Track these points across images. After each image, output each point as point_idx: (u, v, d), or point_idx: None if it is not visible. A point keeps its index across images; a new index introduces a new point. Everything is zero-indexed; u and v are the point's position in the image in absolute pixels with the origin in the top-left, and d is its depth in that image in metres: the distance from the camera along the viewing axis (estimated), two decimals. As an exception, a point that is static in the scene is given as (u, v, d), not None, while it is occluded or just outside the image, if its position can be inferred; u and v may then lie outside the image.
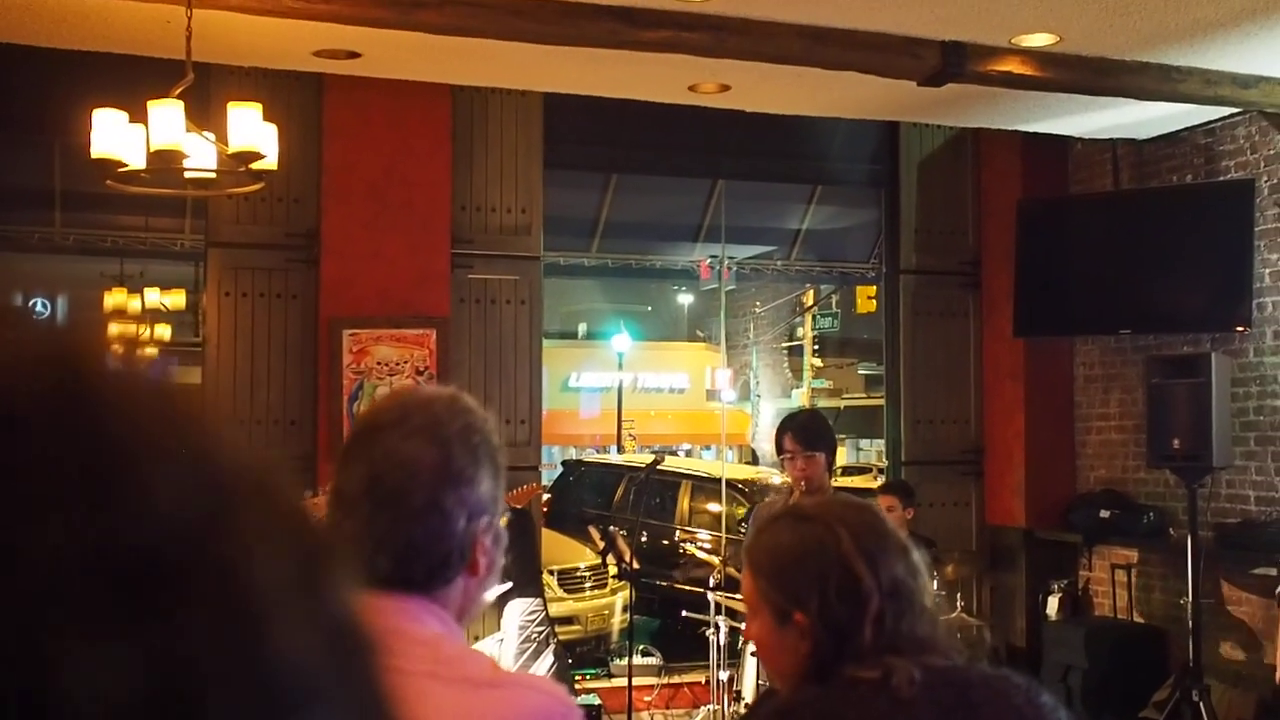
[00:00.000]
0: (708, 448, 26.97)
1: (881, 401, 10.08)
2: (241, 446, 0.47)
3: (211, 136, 5.10)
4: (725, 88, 7.23)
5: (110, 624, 0.39)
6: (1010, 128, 8.35)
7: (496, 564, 1.71)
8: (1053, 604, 8.76)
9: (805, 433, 5.65)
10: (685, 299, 29.54)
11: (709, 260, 11.01)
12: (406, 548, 1.62)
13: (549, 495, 13.49)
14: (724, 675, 7.36)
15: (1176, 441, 7.14)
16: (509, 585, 7.58)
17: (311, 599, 0.46)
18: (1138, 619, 8.46)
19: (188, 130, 4.92)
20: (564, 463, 17.83)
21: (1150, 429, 7.39)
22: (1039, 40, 6.28)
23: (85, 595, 0.39)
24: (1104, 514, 8.50)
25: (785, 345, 27.98)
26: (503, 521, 1.73)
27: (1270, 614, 7.50)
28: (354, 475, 1.65)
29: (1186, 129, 8.20)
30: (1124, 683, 7.96)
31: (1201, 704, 6.84)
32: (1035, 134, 8.48)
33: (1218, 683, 7.49)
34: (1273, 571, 7.23)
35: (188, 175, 5.28)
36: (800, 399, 27.16)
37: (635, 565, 8.40)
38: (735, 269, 11.50)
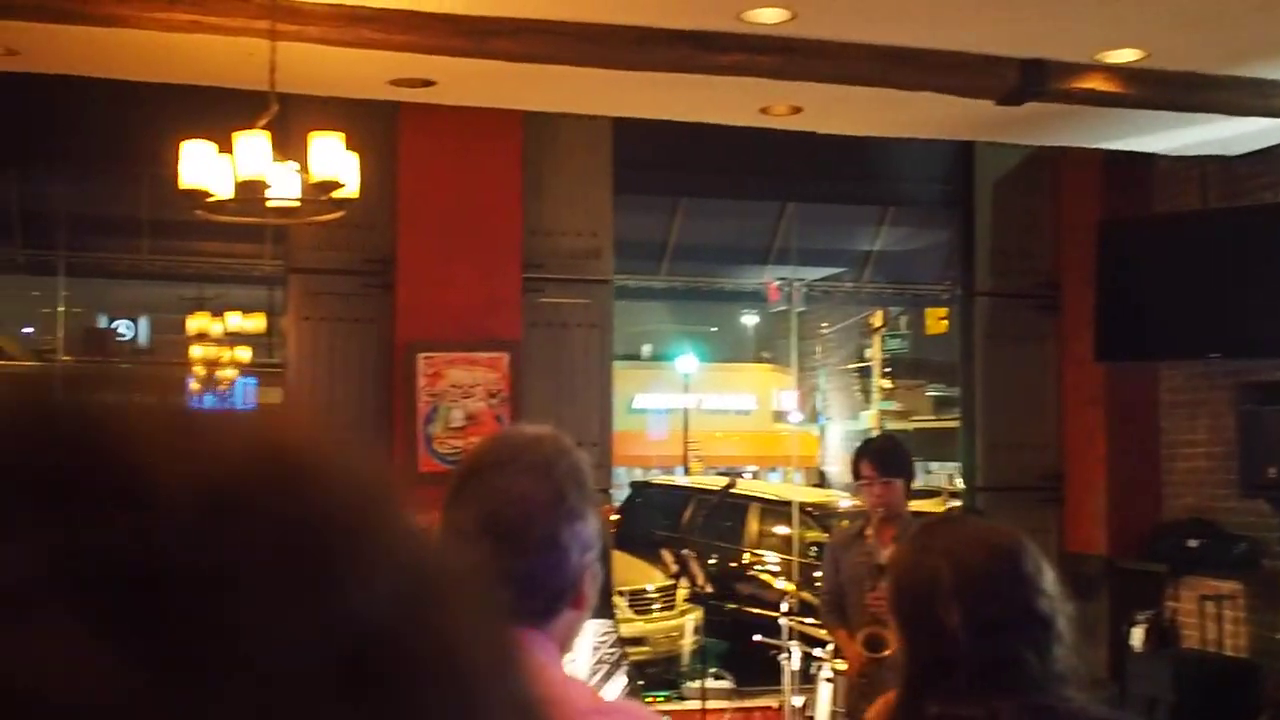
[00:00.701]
0: (774, 470, 26.85)
1: (951, 424, 10.00)
2: (427, 528, 0.48)
3: (295, 166, 5.13)
4: (797, 110, 7.17)
5: (340, 705, 0.39)
6: (1091, 146, 8.22)
7: (593, 600, 1.78)
8: (1137, 635, 8.56)
9: (883, 459, 5.60)
10: (751, 320, 29.44)
11: (778, 282, 10.96)
12: (527, 581, 1.67)
13: (617, 516, 13.46)
14: (798, 701, 7.28)
15: (1272, 470, 6.96)
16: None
17: (511, 679, 0.47)
18: (1228, 652, 8.25)
19: (272, 160, 4.96)
20: (632, 484, 17.81)
21: (1242, 457, 7.22)
22: (1124, 56, 6.17)
23: (320, 680, 0.39)
24: (1191, 543, 8.29)
25: (854, 367, 27.82)
26: None
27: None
28: (469, 513, 1.70)
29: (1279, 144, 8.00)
30: (1213, 717, 7.78)
31: (1294, 737, 6.67)
32: (1117, 151, 8.33)
33: (1310, 716, 7.31)
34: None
35: (271, 204, 5.31)
36: (868, 421, 26.98)
37: (708, 588, 8.35)
38: (805, 291, 11.45)
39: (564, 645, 1.75)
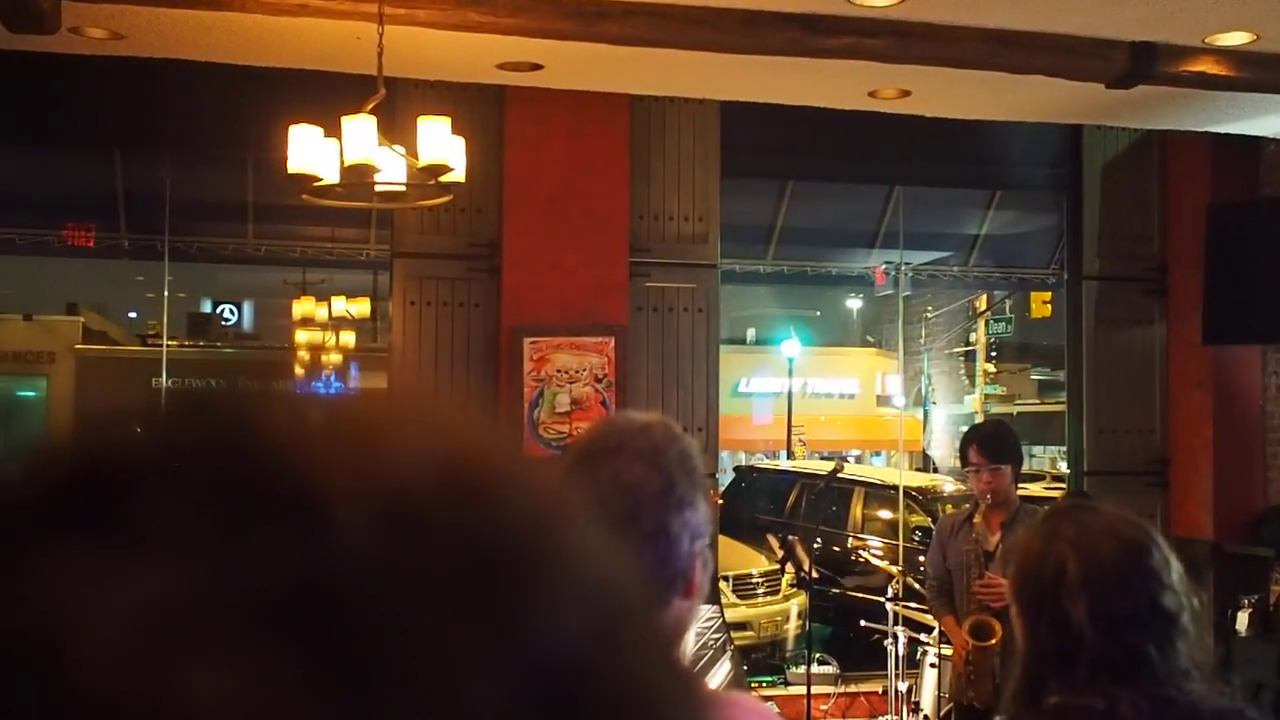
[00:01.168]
0: (878, 453, 26.73)
1: (1055, 407, 9.90)
2: (608, 547, 0.44)
3: (401, 150, 5.20)
4: (906, 93, 7.14)
5: None
6: (1200, 129, 8.10)
7: (705, 588, 1.74)
8: (1242, 619, 8.48)
9: (991, 445, 5.57)
10: (855, 304, 29.33)
11: (884, 266, 10.90)
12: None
13: (721, 501, 13.50)
14: (903, 686, 7.28)
15: (1380, 454, 6.86)
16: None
17: (696, 710, 0.44)
18: (1334, 637, 8.14)
19: (379, 144, 5.03)
20: (736, 469, 17.82)
21: (1351, 441, 7.12)
22: (1234, 39, 6.09)
23: (508, 716, 0.36)
24: (1299, 528, 8.20)
25: (959, 351, 27.59)
26: None
27: None
28: None
29: (1388, 128, 7.88)
30: (1318, 703, 7.68)
31: (1405, 727, 6.56)
32: (1225, 135, 8.21)
33: None
34: None
35: (378, 189, 5.39)
36: (973, 404, 26.76)
37: (814, 574, 8.36)
38: (911, 275, 11.37)
39: (676, 634, 1.70)
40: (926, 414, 27.58)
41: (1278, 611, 8.60)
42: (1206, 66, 6.27)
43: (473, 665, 0.36)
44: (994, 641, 5.14)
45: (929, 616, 6.41)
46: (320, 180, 5.07)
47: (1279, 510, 8.56)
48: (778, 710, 7.44)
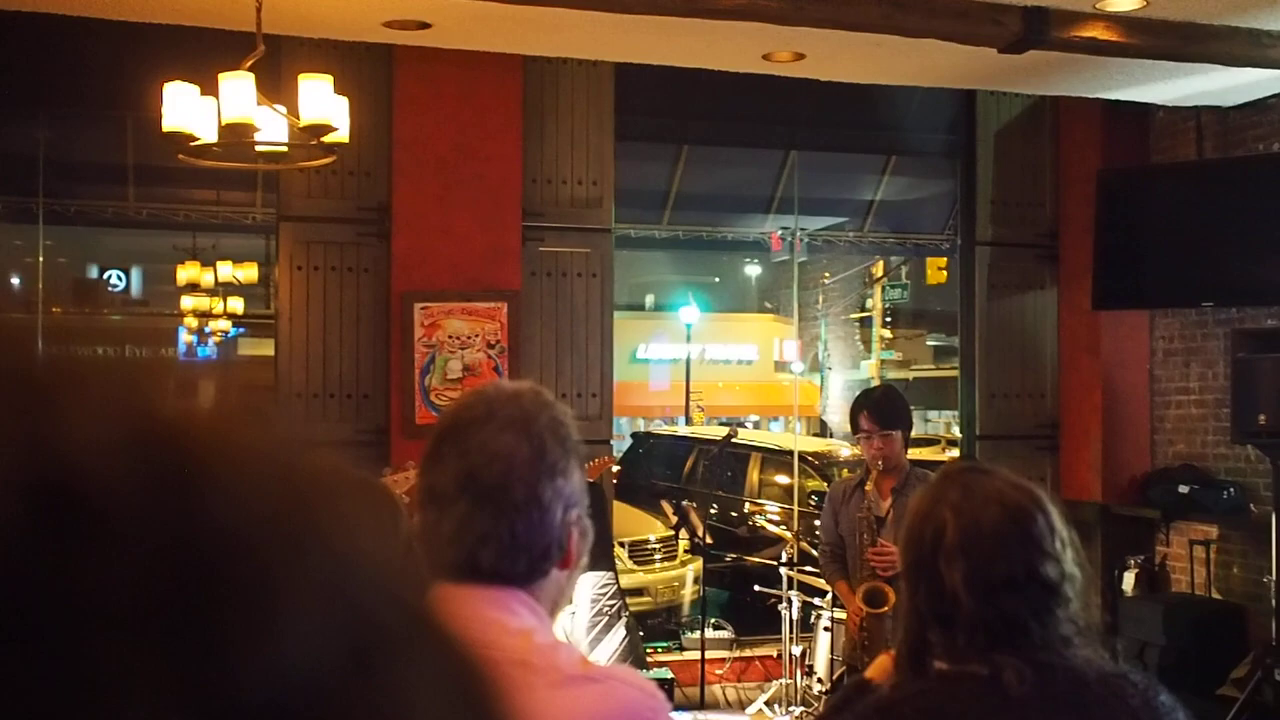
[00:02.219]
0: (776, 419, 26.88)
1: (950, 373, 9.98)
2: (394, 555, 0.35)
3: (283, 109, 5.07)
4: (800, 56, 7.11)
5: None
6: (1091, 96, 8.17)
7: (584, 557, 1.72)
8: (1129, 580, 8.64)
9: (881, 411, 5.58)
10: (753, 270, 29.41)
11: (780, 232, 10.91)
12: (509, 541, 1.62)
13: (618, 468, 13.48)
14: (796, 650, 7.32)
15: (1262, 417, 6.97)
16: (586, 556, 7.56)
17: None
18: (1216, 596, 8.31)
19: (259, 103, 4.90)
20: (633, 435, 17.84)
21: (1235, 404, 7.22)
22: (1125, 4, 6.12)
23: None
24: (1183, 489, 8.35)
25: (855, 316, 27.80)
26: None
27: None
28: (446, 471, 1.64)
29: (1274, 96, 7.98)
30: (1202, 660, 7.83)
31: (1284, 683, 6.70)
32: (1116, 102, 8.30)
33: (1300, 662, 7.35)
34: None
35: (259, 149, 5.25)
36: (869, 370, 26.99)
37: (708, 539, 8.36)
38: (807, 241, 11.40)
39: (554, 606, 1.70)
40: (823, 379, 27.79)
41: (1163, 572, 8.77)
42: (1098, 32, 6.30)
43: (155, 712, 0.27)
44: (887, 609, 5.14)
45: (823, 581, 6.43)
46: (197, 139, 4.93)
47: (1165, 473, 8.69)
48: (671, 675, 7.43)
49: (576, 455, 1.68)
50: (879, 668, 2.32)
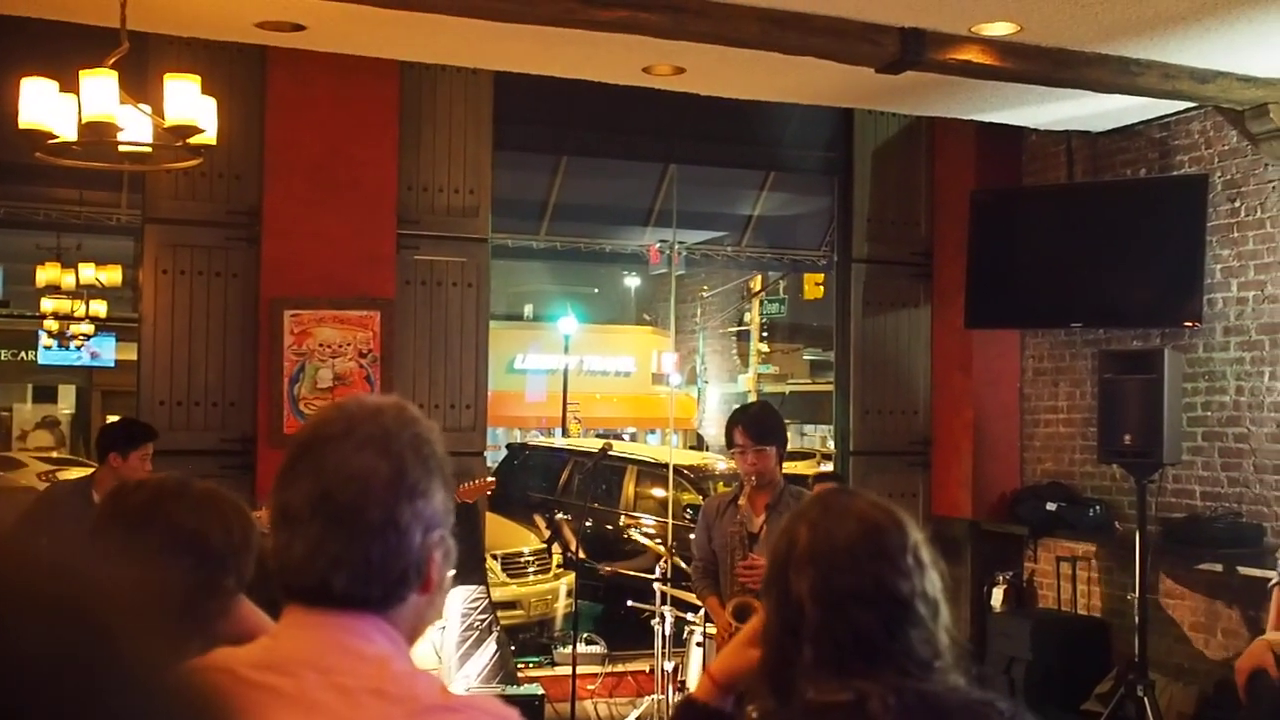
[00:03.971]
0: (653, 431, 26.93)
1: (827, 387, 10.05)
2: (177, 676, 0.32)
3: (147, 109, 4.92)
4: (680, 70, 7.10)
5: None
6: (966, 117, 8.28)
7: (447, 581, 1.64)
8: (998, 595, 8.76)
9: (756, 426, 5.59)
10: (633, 282, 29.48)
11: (659, 245, 10.92)
12: (364, 566, 1.54)
13: (493, 479, 13.37)
14: (669, 665, 7.29)
15: (1128, 437, 7.10)
16: (452, 573, 7.46)
17: None
18: (1082, 612, 8.46)
19: (122, 102, 4.75)
20: (509, 446, 17.71)
21: (1101, 424, 7.35)
22: (999, 30, 6.19)
23: None
24: (1050, 507, 8.48)
25: (732, 330, 27.97)
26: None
27: (1213, 609, 7.50)
28: (301, 491, 1.55)
29: (1142, 122, 8.17)
30: (1067, 675, 7.97)
31: (1145, 697, 6.81)
32: (990, 124, 8.41)
33: (1161, 676, 7.50)
34: (1217, 567, 7.23)
35: (122, 149, 5.09)
36: (746, 384, 27.17)
37: (581, 554, 8.31)
38: (685, 254, 11.42)
39: (412, 632, 1.62)
40: (700, 392, 27.91)
41: (1031, 588, 8.90)
42: (973, 55, 6.36)
43: None
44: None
45: (696, 597, 6.40)
46: (56, 137, 4.77)
47: (1033, 490, 8.83)
48: (542, 691, 7.35)
49: (441, 474, 1.60)
50: (701, 686, 2.28)
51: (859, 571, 1.87)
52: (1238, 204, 7.55)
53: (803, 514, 1.98)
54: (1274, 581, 6.14)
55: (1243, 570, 7.05)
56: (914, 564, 1.90)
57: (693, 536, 6.21)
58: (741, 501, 5.59)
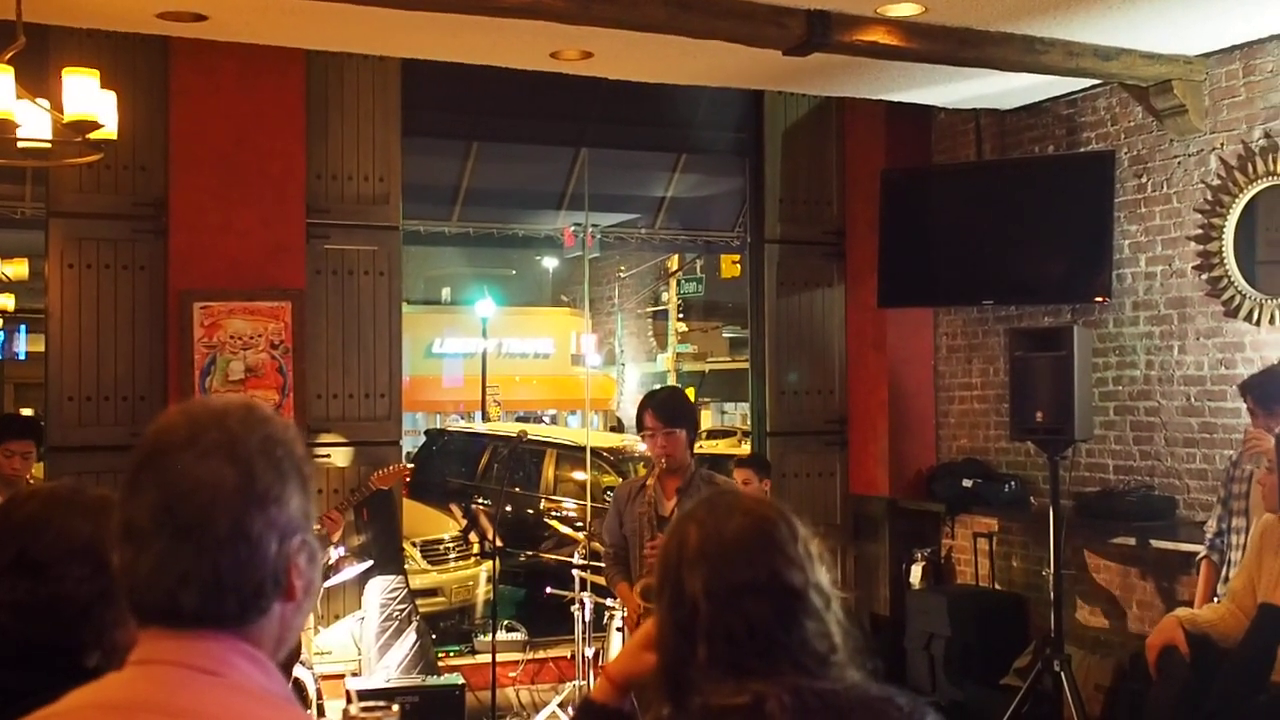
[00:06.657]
0: (573, 413, 26.91)
1: (746, 365, 10.07)
2: None
3: (46, 104, 4.82)
4: (588, 55, 7.06)
5: None
6: (875, 97, 8.32)
7: (314, 585, 1.55)
8: (916, 572, 8.83)
9: (666, 410, 5.61)
10: (550, 264, 29.40)
11: (573, 228, 10.88)
12: (214, 581, 1.44)
13: (411, 465, 13.30)
14: (590, 651, 7.29)
15: (1039, 415, 7.15)
16: (370, 563, 7.42)
17: None
18: (999, 587, 8.55)
19: (19, 97, 4.65)
20: (427, 432, 17.64)
21: (1013, 402, 7.41)
22: (904, 10, 6.22)
23: None
24: (966, 483, 8.56)
25: (650, 310, 27.99)
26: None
27: (1128, 582, 7.62)
28: (144, 504, 1.46)
29: (1049, 100, 8.25)
30: (986, 650, 8.04)
31: (1062, 671, 6.91)
32: (899, 104, 8.45)
33: (1077, 649, 7.60)
34: (1131, 540, 7.33)
35: (21, 145, 4.99)
36: (665, 363, 27.21)
37: (499, 542, 8.28)
38: (599, 237, 11.40)
39: (278, 644, 1.52)
40: (620, 373, 27.91)
41: (948, 564, 8.99)
42: (879, 36, 6.38)
43: None
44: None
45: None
46: (-50, 133, 4.64)
47: (949, 467, 8.91)
48: (462, 681, 7.34)
49: (298, 476, 1.52)
50: (600, 688, 2.27)
51: (752, 564, 1.86)
52: (1144, 179, 7.65)
53: (689, 515, 1.97)
54: (1201, 554, 6.24)
55: (1155, 543, 7.13)
56: (805, 554, 1.90)
57: (604, 523, 6.22)
58: (650, 482, 5.62)
